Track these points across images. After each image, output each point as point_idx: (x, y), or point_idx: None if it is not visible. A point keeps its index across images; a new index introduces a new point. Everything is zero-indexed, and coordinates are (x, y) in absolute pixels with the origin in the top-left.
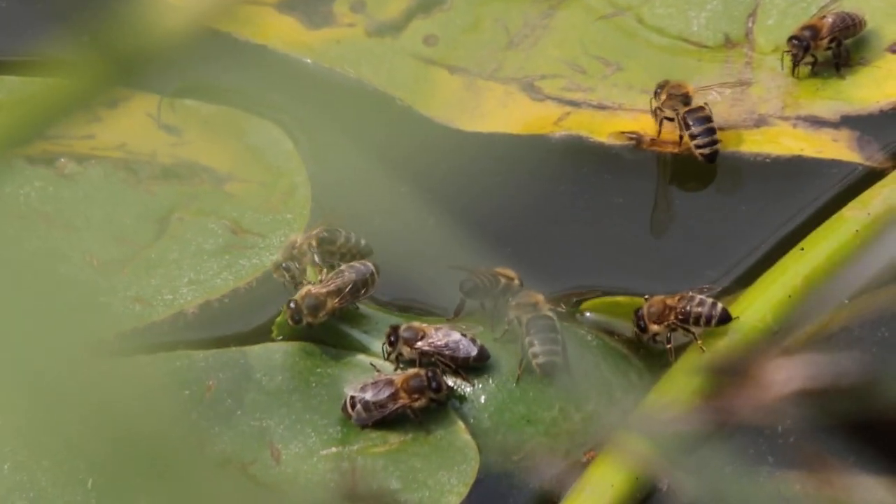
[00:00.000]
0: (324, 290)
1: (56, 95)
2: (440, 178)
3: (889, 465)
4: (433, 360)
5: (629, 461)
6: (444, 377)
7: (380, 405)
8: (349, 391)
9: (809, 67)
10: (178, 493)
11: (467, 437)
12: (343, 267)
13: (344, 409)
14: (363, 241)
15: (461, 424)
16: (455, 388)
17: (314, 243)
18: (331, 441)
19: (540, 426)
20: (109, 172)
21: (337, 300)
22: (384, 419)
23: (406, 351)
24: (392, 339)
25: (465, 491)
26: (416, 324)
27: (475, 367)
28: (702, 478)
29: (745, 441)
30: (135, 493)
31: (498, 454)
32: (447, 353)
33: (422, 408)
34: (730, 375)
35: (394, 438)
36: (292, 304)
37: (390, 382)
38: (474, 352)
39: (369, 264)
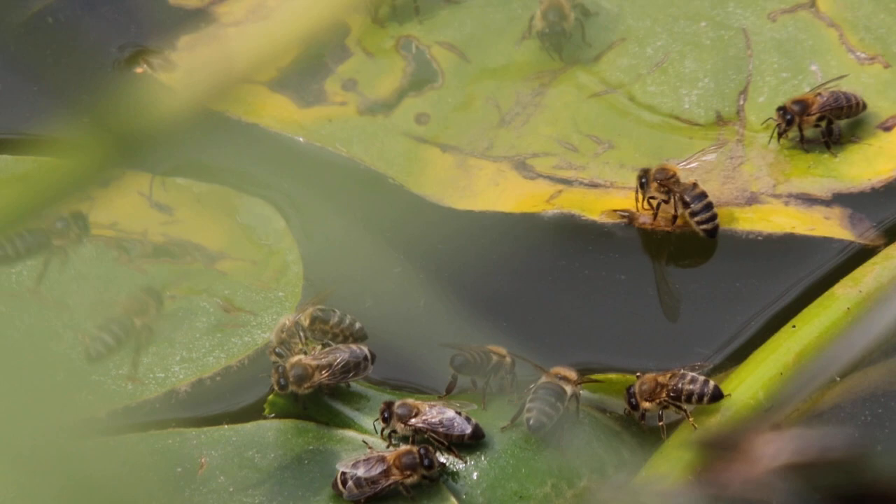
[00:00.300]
0: (313, 363)
1: (49, 175)
2: (432, 256)
3: None
4: (427, 436)
5: None
6: (437, 454)
7: (372, 481)
8: (341, 467)
9: (795, 141)
10: None
11: None
12: (339, 346)
13: (335, 485)
14: (357, 324)
15: (454, 500)
16: (447, 464)
17: (306, 322)
18: None
19: (532, 502)
20: (101, 251)
21: (325, 374)
22: (376, 496)
23: (400, 427)
24: (385, 415)
25: None
26: (410, 400)
27: (468, 444)
28: None
29: None
30: None
31: None
32: (441, 430)
33: (414, 484)
34: (720, 450)
35: None
36: (280, 369)
37: (382, 459)
38: (469, 430)
39: (365, 349)
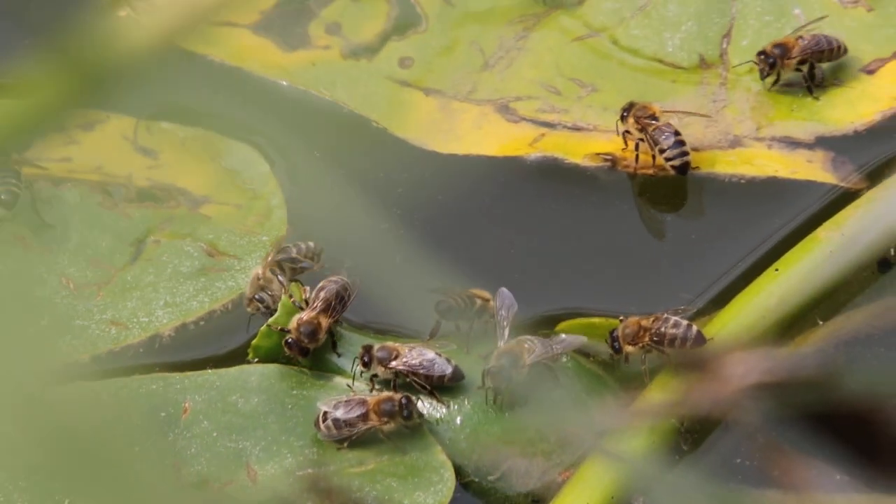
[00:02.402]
0: (313, 313)
1: (26, 116)
2: (415, 200)
3: (846, 455)
4: (408, 380)
5: (604, 481)
6: (419, 400)
7: (349, 423)
8: (322, 406)
9: (777, 85)
10: None
11: (443, 457)
12: (320, 284)
13: (316, 423)
14: (312, 243)
15: (437, 445)
16: (430, 410)
17: (276, 268)
18: (307, 462)
19: (516, 447)
20: (86, 195)
21: (329, 317)
22: (353, 438)
23: (380, 371)
24: (365, 359)
25: None
26: (389, 343)
27: (449, 387)
28: (676, 497)
29: (718, 459)
30: None
31: (474, 474)
32: (422, 372)
33: (391, 431)
34: (690, 370)
35: (370, 459)
36: (289, 340)
37: (363, 402)
38: (449, 371)
39: (340, 277)
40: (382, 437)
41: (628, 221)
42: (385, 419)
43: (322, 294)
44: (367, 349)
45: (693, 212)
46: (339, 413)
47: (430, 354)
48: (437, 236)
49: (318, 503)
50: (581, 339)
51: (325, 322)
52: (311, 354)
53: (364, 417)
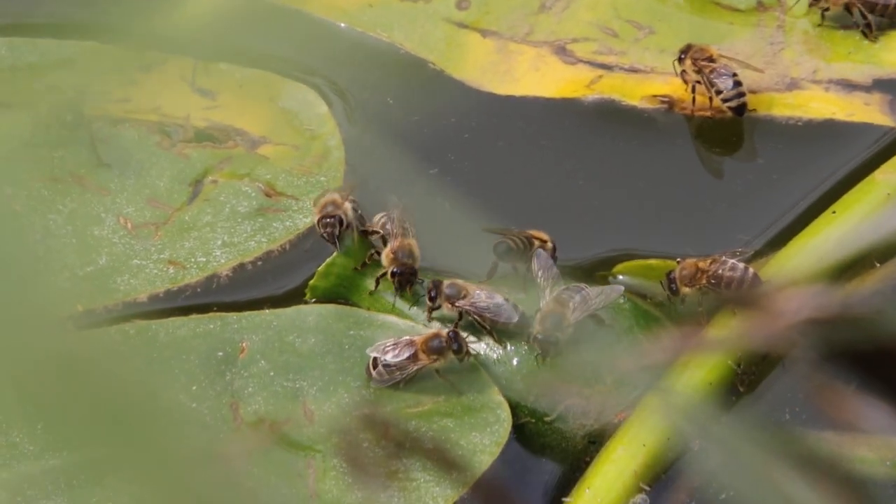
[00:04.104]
0: (398, 239)
1: (93, 58)
2: (473, 142)
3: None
4: (472, 319)
5: (661, 422)
6: (479, 340)
7: (400, 367)
8: (371, 353)
9: (823, 21)
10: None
11: (499, 397)
12: (380, 219)
13: (367, 371)
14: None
15: (494, 386)
16: (486, 351)
17: (355, 208)
18: (363, 402)
19: (573, 387)
20: (143, 135)
21: (413, 239)
22: (405, 380)
23: (447, 308)
24: (433, 293)
25: (497, 451)
26: (459, 281)
27: (509, 330)
28: (733, 439)
29: (775, 400)
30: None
31: (530, 415)
32: (488, 315)
33: (445, 369)
34: (745, 306)
35: (426, 400)
36: (396, 270)
37: (411, 343)
38: (516, 317)
39: (393, 209)
40: (437, 377)
41: (685, 163)
42: (435, 356)
43: (392, 222)
44: (437, 284)
45: (750, 154)
46: (389, 357)
47: (500, 299)
48: (493, 178)
49: (375, 442)
50: (619, 290)
51: (413, 243)
52: (417, 278)
53: (414, 358)
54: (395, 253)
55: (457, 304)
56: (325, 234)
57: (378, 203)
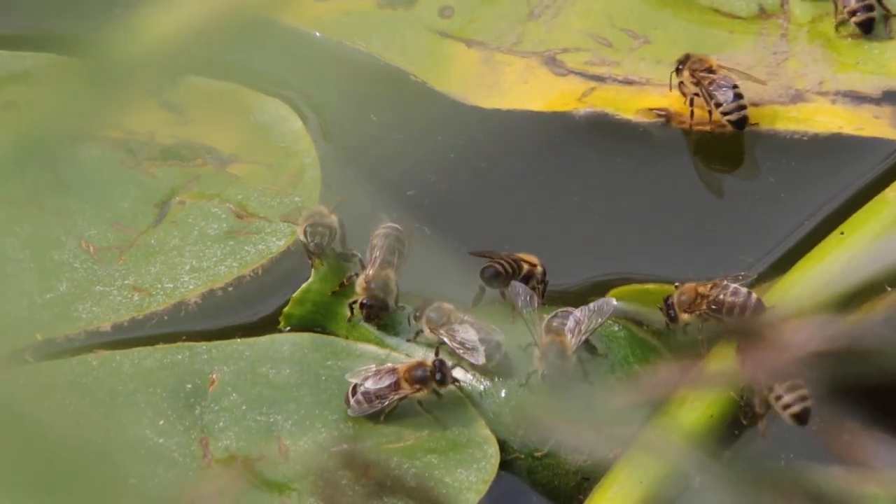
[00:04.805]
0: (377, 267)
1: (51, 71)
2: (457, 159)
3: None
4: (448, 349)
5: (659, 458)
6: (455, 369)
7: (380, 395)
8: (351, 378)
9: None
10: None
11: (487, 431)
12: (373, 243)
13: (346, 398)
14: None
15: (480, 420)
16: (473, 382)
17: (341, 223)
18: (342, 437)
19: (564, 421)
20: (106, 154)
21: (393, 271)
22: (387, 411)
23: (428, 331)
24: (418, 313)
25: (484, 489)
26: (447, 306)
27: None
28: (736, 475)
29: (779, 434)
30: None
31: (519, 450)
32: (458, 351)
33: (427, 400)
34: (749, 337)
35: (409, 434)
36: (366, 301)
37: (393, 371)
38: (479, 362)
39: (390, 226)
40: (420, 409)
41: (683, 181)
42: (417, 386)
43: (380, 251)
44: (425, 304)
45: (752, 171)
46: (369, 384)
47: (474, 337)
48: (479, 196)
49: (354, 480)
50: (611, 303)
51: (393, 275)
52: (389, 313)
53: (395, 386)
54: (368, 283)
55: (436, 331)
56: (313, 245)
57: (359, 225)
